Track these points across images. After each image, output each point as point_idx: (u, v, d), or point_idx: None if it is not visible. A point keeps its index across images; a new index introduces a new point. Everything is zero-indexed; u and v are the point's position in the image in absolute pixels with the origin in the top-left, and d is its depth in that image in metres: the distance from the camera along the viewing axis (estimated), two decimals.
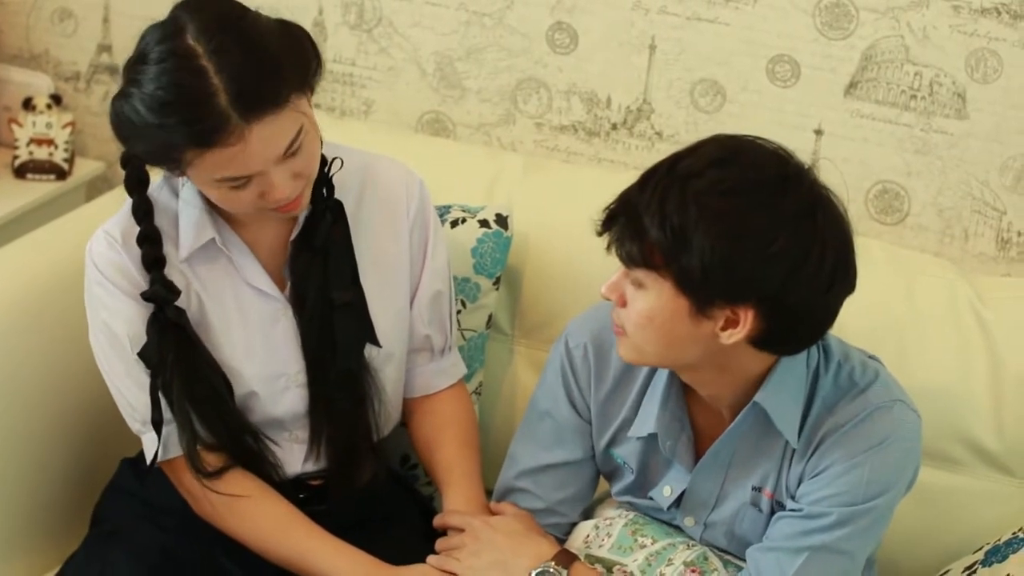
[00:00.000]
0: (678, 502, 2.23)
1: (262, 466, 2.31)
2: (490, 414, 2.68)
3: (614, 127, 2.95)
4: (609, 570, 2.21)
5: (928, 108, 2.75)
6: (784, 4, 2.77)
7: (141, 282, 2.22)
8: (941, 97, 2.74)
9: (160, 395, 2.22)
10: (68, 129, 3.22)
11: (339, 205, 2.29)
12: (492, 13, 2.96)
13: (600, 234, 2.04)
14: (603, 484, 2.40)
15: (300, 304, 2.28)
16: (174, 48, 2.06)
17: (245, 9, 2.14)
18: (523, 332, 2.70)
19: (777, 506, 2.16)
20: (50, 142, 3.21)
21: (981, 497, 2.48)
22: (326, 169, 2.27)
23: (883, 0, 2.72)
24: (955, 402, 2.48)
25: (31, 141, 3.20)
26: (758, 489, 2.16)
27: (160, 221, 2.24)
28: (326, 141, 2.25)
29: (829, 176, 2.77)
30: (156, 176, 2.25)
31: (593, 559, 2.23)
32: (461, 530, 2.27)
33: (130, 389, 2.26)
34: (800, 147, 2.80)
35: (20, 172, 3.21)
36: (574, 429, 2.28)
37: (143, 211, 2.22)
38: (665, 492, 2.23)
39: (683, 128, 2.90)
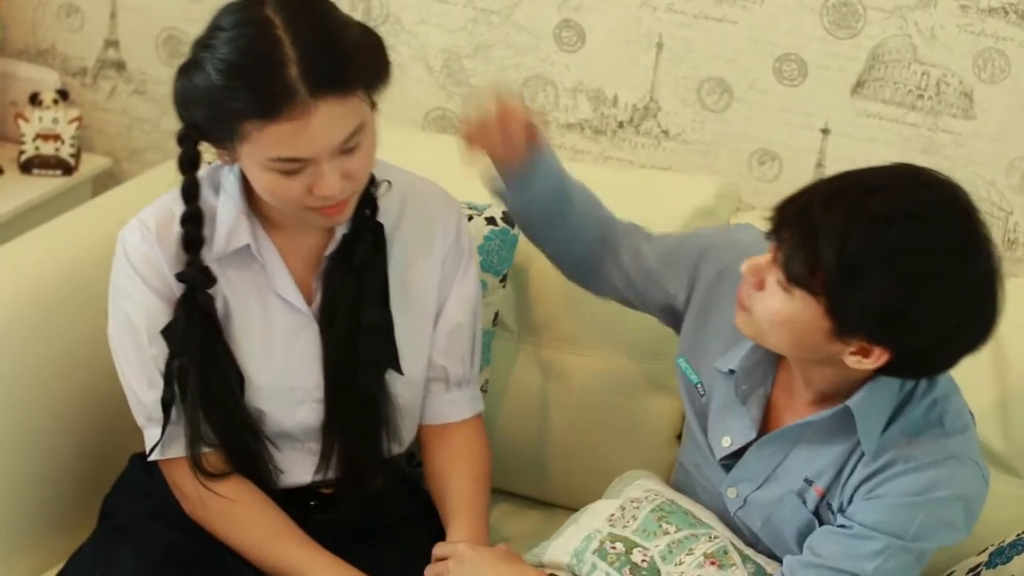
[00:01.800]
0: (728, 467, 2.23)
1: (262, 472, 2.30)
2: (496, 412, 2.68)
3: (621, 125, 2.95)
4: (629, 551, 2.21)
5: (935, 108, 2.75)
6: (792, 3, 2.77)
7: (169, 278, 2.21)
8: (948, 97, 2.74)
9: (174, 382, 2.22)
10: (74, 124, 3.22)
11: (380, 227, 2.27)
12: (499, 10, 2.96)
13: (768, 236, 2.03)
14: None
15: (328, 321, 2.27)
16: (252, 16, 2.05)
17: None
18: (529, 330, 2.70)
19: (825, 508, 2.16)
20: (56, 137, 3.21)
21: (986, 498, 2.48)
22: (372, 188, 2.26)
23: None
24: None
25: (37, 136, 3.20)
26: (809, 482, 2.16)
27: None
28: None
29: None
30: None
31: (616, 537, 2.24)
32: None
33: (140, 383, 2.25)
34: (807, 146, 2.82)
35: (26, 167, 3.21)
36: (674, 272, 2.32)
37: (192, 191, 2.20)
38: (724, 443, 2.23)
39: (690, 127, 2.90)
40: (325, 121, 2.04)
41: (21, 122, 3.21)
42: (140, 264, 2.22)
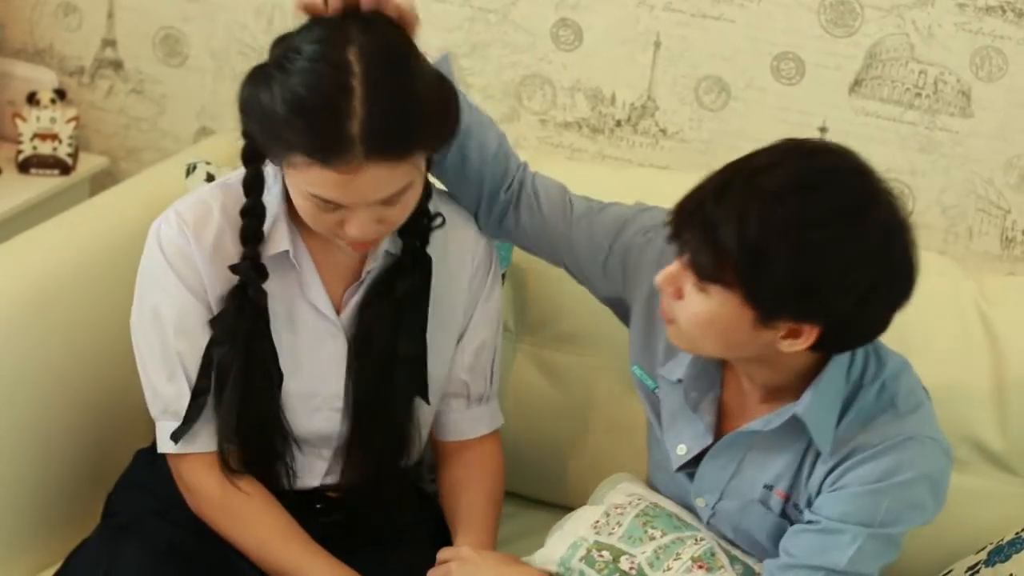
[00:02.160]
0: (691, 476, 2.23)
1: (276, 473, 2.30)
2: None
3: (618, 124, 2.95)
4: (616, 559, 2.21)
5: (933, 106, 2.75)
6: (789, 1, 2.77)
7: (202, 274, 2.20)
8: (946, 95, 2.74)
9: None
10: (72, 124, 3.21)
11: (428, 261, 2.27)
12: (497, 9, 2.95)
13: (670, 241, 2.02)
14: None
15: (363, 346, 2.27)
16: (331, 55, 2.01)
17: (415, 49, 2.08)
18: (528, 329, 2.70)
19: (793, 508, 2.16)
20: (54, 137, 3.20)
21: (984, 497, 2.48)
22: (426, 220, 2.25)
23: None
24: (959, 401, 2.47)
25: (35, 136, 3.20)
26: (770, 487, 2.16)
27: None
28: None
29: None
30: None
31: (602, 545, 2.24)
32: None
33: (160, 376, 2.24)
34: None
35: (24, 167, 3.21)
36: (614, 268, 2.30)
37: (255, 184, 2.18)
38: (680, 451, 2.22)
39: (687, 125, 2.90)
40: (372, 181, 2.02)
41: (18, 121, 3.20)
42: (175, 258, 2.20)
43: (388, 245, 2.25)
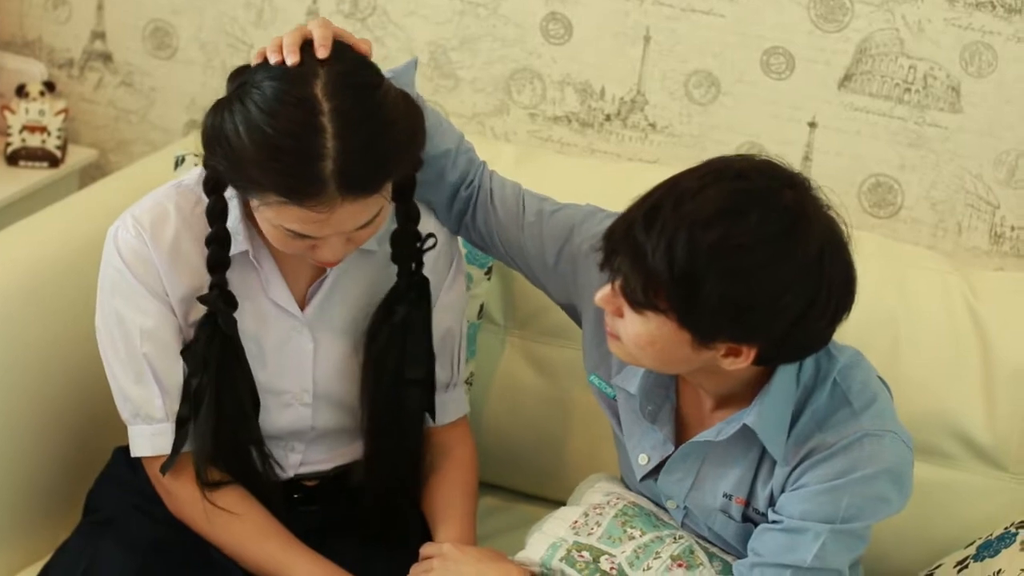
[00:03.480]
0: (656, 480, 2.23)
1: (254, 472, 2.30)
2: (481, 405, 2.68)
3: (608, 118, 2.95)
4: (596, 559, 2.21)
5: (922, 101, 2.75)
6: None
7: (162, 278, 2.20)
8: (935, 91, 2.74)
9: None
10: (61, 116, 3.21)
11: (426, 282, 2.27)
12: (486, 3, 2.95)
13: (602, 268, 2.01)
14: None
15: (376, 378, 2.27)
16: (298, 94, 1.99)
17: (381, 78, 2.08)
18: (515, 323, 2.70)
19: (754, 512, 2.16)
20: (43, 129, 3.20)
21: (973, 492, 2.48)
22: (419, 244, 2.24)
23: None
24: (947, 396, 2.48)
25: (24, 128, 3.19)
26: (729, 496, 2.16)
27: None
28: None
29: (822, 169, 2.78)
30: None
31: (581, 546, 2.24)
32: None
33: (128, 378, 2.24)
34: (794, 139, 2.82)
35: (12, 159, 3.20)
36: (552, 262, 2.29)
37: (219, 212, 2.17)
38: (641, 460, 2.22)
39: (677, 120, 2.90)
40: (346, 216, 2.03)
41: (7, 114, 3.20)
42: (134, 263, 2.20)
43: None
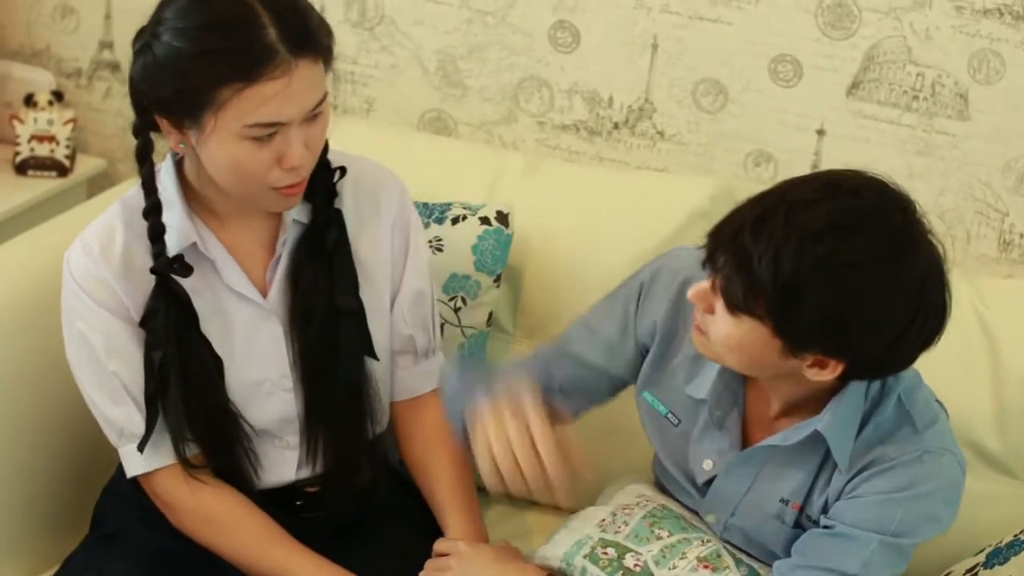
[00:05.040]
0: (703, 492, 2.23)
1: (244, 473, 2.30)
2: None
3: (616, 126, 2.95)
4: (622, 556, 2.21)
5: (930, 109, 2.75)
6: (787, 3, 2.77)
7: (118, 293, 2.21)
8: (943, 98, 2.74)
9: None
10: (69, 126, 3.21)
11: (339, 213, 2.28)
12: (494, 11, 2.95)
13: (704, 263, 2.01)
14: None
15: (304, 314, 2.27)
16: None
17: None
18: (524, 330, 2.70)
19: (807, 519, 2.16)
20: (51, 139, 3.20)
21: (983, 499, 2.48)
22: (334, 180, 2.27)
23: (885, 0, 2.72)
24: (957, 404, 2.46)
25: (32, 137, 3.20)
26: (786, 502, 2.16)
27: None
28: None
29: None
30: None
31: (607, 542, 2.24)
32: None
33: (104, 401, 2.25)
34: (802, 147, 2.82)
35: (21, 168, 3.21)
36: (617, 344, 2.28)
37: (152, 182, 2.20)
38: (706, 466, 2.22)
39: (685, 128, 2.90)
40: (305, 80, 2.07)
41: (16, 123, 3.20)
42: (87, 282, 2.22)
43: (296, 214, 2.26)
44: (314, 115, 2.11)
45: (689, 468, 2.26)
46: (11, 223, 3.05)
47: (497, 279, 2.62)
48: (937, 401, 2.19)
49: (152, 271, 2.20)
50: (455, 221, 2.61)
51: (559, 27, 2.93)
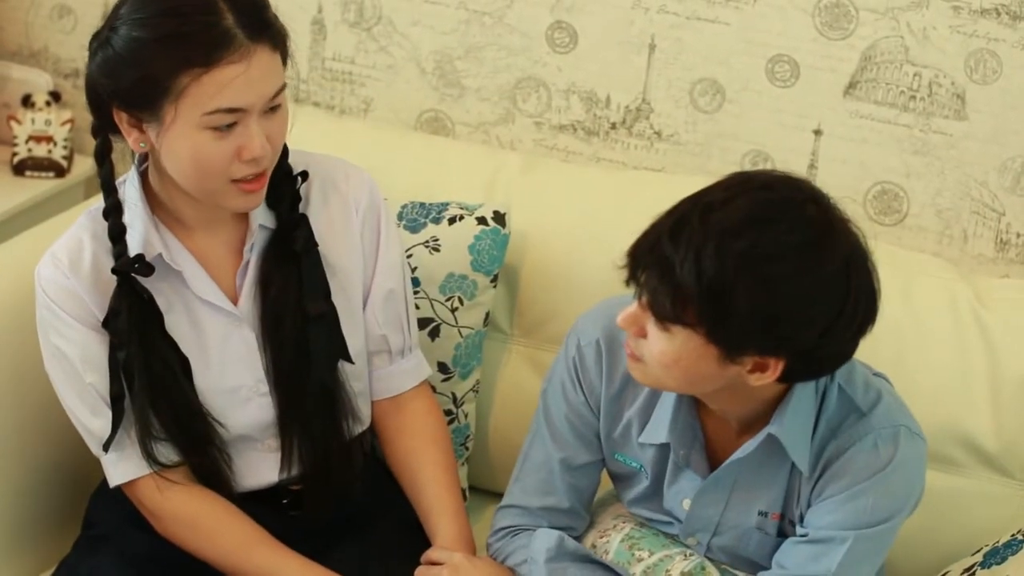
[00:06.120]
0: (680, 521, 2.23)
1: (223, 477, 2.30)
2: (487, 412, 2.68)
3: (613, 126, 2.95)
4: None
5: (927, 109, 2.75)
6: (784, 4, 2.77)
7: (89, 304, 2.21)
8: (940, 98, 2.74)
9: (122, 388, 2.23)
10: (67, 126, 3.21)
11: (305, 219, 2.28)
12: (492, 12, 2.95)
13: (627, 283, 2.01)
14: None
15: (274, 319, 2.27)
16: None
17: None
18: (521, 330, 2.70)
19: (789, 525, 2.16)
20: (49, 139, 3.20)
21: (980, 499, 2.48)
22: (297, 187, 2.27)
23: (883, 0, 2.72)
24: (953, 403, 2.48)
25: (30, 138, 3.20)
26: (764, 514, 2.17)
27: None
28: None
29: (828, 177, 2.78)
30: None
31: None
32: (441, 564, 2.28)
33: (84, 413, 2.26)
34: (799, 147, 2.82)
35: (19, 169, 3.21)
36: (590, 427, 2.27)
37: (111, 182, 2.22)
38: (685, 505, 2.21)
39: (682, 128, 2.90)
40: (263, 68, 2.09)
41: (13, 124, 3.20)
42: (58, 295, 2.22)
43: (263, 219, 2.26)
44: (273, 108, 2.13)
45: (667, 510, 2.25)
46: (9, 224, 3.05)
47: (494, 279, 2.62)
48: (876, 374, 2.18)
49: (113, 271, 2.20)
50: (452, 221, 2.61)
51: (556, 27, 2.92)
